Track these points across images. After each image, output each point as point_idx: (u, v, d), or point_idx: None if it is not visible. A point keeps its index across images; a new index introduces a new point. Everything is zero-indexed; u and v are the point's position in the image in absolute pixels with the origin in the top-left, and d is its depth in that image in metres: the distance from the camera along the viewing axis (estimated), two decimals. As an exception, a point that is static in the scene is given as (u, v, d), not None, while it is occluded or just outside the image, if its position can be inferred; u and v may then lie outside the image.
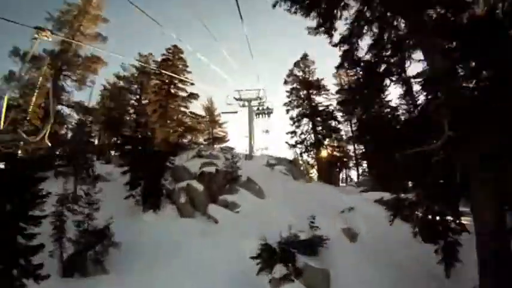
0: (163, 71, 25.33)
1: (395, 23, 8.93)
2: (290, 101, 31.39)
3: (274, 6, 10.39)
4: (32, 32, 5.77)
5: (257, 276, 11.01)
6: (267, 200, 17.40)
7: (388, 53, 8.96)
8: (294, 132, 30.14)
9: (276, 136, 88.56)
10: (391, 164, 10.26)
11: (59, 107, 20.51)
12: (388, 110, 11.90)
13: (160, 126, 26.73)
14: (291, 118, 30.76)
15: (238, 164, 19.64)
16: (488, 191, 7.19)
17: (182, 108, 30.93)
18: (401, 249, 13.72)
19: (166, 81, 27.90)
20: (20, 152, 14.18)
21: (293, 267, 10.61)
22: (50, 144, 6.86)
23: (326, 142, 30.41)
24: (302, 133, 30.13)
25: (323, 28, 9.95)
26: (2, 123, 6.16)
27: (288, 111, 31.34)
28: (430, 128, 7.48)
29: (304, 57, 32.45)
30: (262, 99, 30.32)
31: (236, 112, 30.88)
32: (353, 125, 32.79)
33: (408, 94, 9.27)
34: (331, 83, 34.21)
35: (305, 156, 30.69)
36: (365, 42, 9.69)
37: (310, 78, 31.70)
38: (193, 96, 29.70)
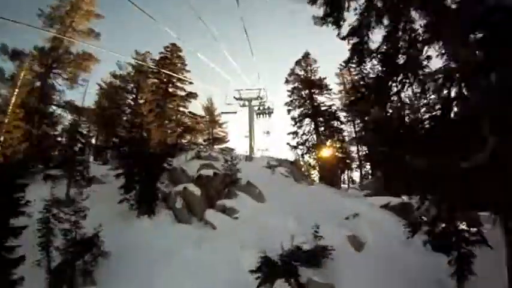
0: (161, 70, 24.54)
1: (409, 13, 8.02)
2: (291, 101, 30.52)
3: None
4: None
5: (257, 291, 10.14)
6: (267, 205, 16.49)
7: (406, 45, 8.05)
8: (295, 133, 29.29)
9: (277, 137, 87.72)
10: (406, 172, 9.18)
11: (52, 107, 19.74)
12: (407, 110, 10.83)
13: (157, 127, 25.88)
14: (293, 118, 29.92)
15: (238, 166, 18.77)
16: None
17: (181, 108, 30.12)
18: (410, 258, 12.86)
19: (165, 80, 27.06)
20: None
21: (296, 282, 9.74)
22: None
23: (328, 143, 29.45)
24: (304, 134, 29.27)
25: (331, 18, 9.02)
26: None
27: (289, 111, 30.53)
28: (463, 133, 6.52)
29: (306, 55, 31.59)
30: (263, 98, 29.53)
31: (235, 112, 30.15)
32: (356, 126, 31.99)
33: (424, 92, 8.32)
34: (333, 83, 33.37)
35: (307, 157, 29.80)
36: (375, 36, 8.82)
37: (312, 77, 30.83)
38: (192, 95, 28.82)
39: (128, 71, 25.20)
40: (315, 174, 30.66)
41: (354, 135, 31.81)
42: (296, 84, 30.86)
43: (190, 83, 27.47)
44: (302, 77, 30.93)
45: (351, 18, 8.95)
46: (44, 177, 18.42)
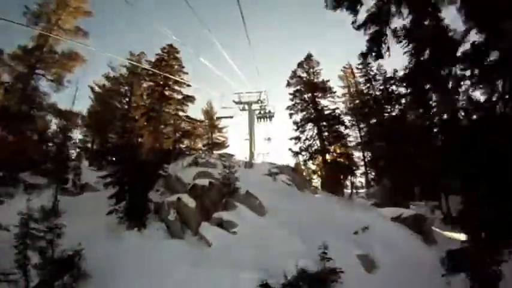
0: (156, 72, 23.30)
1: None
2: (294, 104, 29.12)
3: None
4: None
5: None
6: (269, 218, 15.07)
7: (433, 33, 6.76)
8: (298, 138, 27.84)
9: (278, 141, 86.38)
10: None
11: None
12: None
13: (152, 132, 24.59)
14: (295, 123, 28.51)
15: (237, 174, 17.42)
16: None
17: (179, 113, 28.88)
18: (427, 279, 11.49)
19: (161, 82, 25.80)
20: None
21: (301, 315, 8.36)
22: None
23: (332, 149, 28.03)
24: (306, 139, 27.84)
25: (347, 2, 7.66)
26: None
27: (291, 115, 29.11)
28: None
29: (309, 57, 30.27)
30: (264, 102, 28.23)
31: (232, 117, 29.04)
32: (362, 131, 30.66)
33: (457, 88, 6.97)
34: (336, 85, 32.06)
35: (310, 163, 28.42)
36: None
37: (315, 80, 29.42)
38: (189, 99, 27.50)
39: (120, 73, 23.92)
40: (317, 181, 29.37)
41: (359, 140, 30.45)
42: (298, 87, 29.48)
43: (188, 85, 26.23)
44: (304, 79, 29.58)
45: (367, 4, 7.63)
46: (25, 187, 16.96)
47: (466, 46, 7.09)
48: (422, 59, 7.36)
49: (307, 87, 29.13)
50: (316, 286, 9.44)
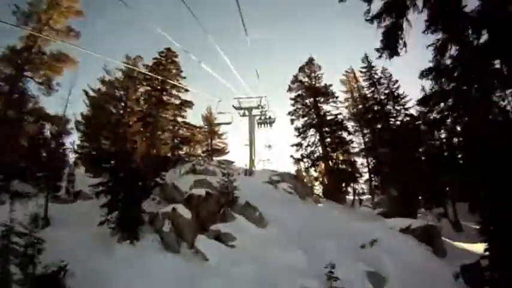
0: (153, 75, 22.55)
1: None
2: (295, 110, 28.27)
3: None
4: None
5: None
6: (269, 231, 14.12)
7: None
8: (299, 145, 26.94)
9: (278, 147, 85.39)
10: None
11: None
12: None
13: (149, 138, 23.78)
14: (296, 129, 27.62)
15: (237, 182, 16.53)
16: None
17: (178, 118, 28.09)
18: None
19: (158, 87, 25.03)
20: None
21: None
22: None
23: (335, 155, 27.09)
24: (308, 145, 26.94)
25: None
26: None
27: (292, 121, 28.25)
28: None
29: (310, 61, 29.49)
30: (264, 107, 27.45)
31: (230, 123, 28.37)
32: (366, 137, 29.78)
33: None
34: (338, 90, 31.22)
35: (312, 170, 27.50)
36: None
37: (317, 85, 28.61)
38: (187, 104, 26.70)
39: (116, 77, 23.07)
40: (319, 188, 28.43)
41: (363, 147, 29.50)
42: (300, 92, 28.68)
43: (186, 90, 25.45)
44: (306, 84, 28.78)
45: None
46: (11, 196, 16.05)
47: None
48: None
49: (309, 92, 28.31)
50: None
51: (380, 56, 8.56)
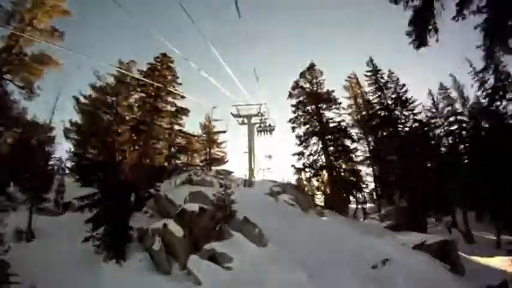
0: (146, 81, 21.44)
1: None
2: (296, 117, 26.93)
3: None
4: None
5: None
6: (270, 250, 12.75)
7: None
8: (301, 154, 25.56)
9: (279, 154, 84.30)
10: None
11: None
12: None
13: (143, 146, 22.53)
14: (298, 137, 26.25)
15: (235, 195, 15.23)
16: None
17: (175, 126, 26.89)
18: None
19: (152, 94, 23.86)
20: None
21: None
22: None
23: (338, 164, 25.70)
24: (311, 154, 25.55)
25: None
26: None
27: (293, 128, 26.84)
28: None
29: (311, 66, 28.28)
30: (264, 115, 26.27)
31: (225, 131, 27.16)
32: (370, 145, 28.51)
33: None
34: (340, 96, 29.97)
35: (314, 181, 26.14)
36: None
37: (319, 91, 27.37)
38: (183, 111, 25.49)
39: (107, 82, 21.81)
40: (320, 197, 27.07)
41: (368, 155, 28.16)
42: (301, 99, 27.37)
43: (182, 97, 24.27)
44: (307, 90, 27.48)
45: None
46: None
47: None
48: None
49: (311, 99, 27.03)
50: None
51: (411, 42, 7.24)
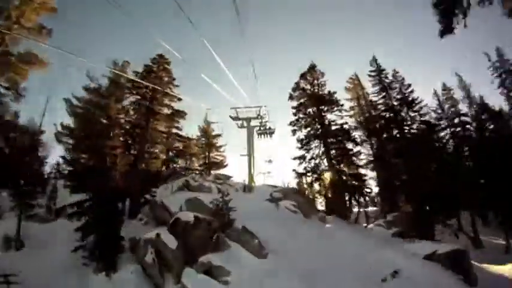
0: (143, 82, 20.65)
1: None
2: (297, 120, 26.01)
3: None
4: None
5: None
6: (270, 262, 11.81)
7: None
8: (302, 157, 24.63)
9: (279, 156, 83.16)
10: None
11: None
12: None
13: (138, 151, 21.69)
14: (299, 140, 25.33)
15: (232, 203, 14.38)
16: None
17: (173, 130, 26.07)
18: None
19: (148, 96, 22.98)
20: None
21: None
22: None
23: (340, 167, 24.76)
24: (312, 158, 24.63)
25: None
26: None
27: (294, 131, 25.90)
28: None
29: (312, 67, 27.37)
30: (264, 117, 25.42)
31: (220, 135, 26.38)
32: (374, 148, 27.60)
33: None
34: (342, 98, 29.05)
35: (316, 185, 25.23)
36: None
37: (320, 92, 26.47)
38: (179, 114, 24.62)
39: (100, 84, 20.91)
40: (321, 201, 26.17)
41: (371, 158, 27.18)
42: (302, 101, 26.45)
43: (179, 99, 23.42)
44: (308, 91, 26.55)
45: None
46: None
47: None
48: None
49: (312, 101, 26.11)
50: None
51: (442, 36, 6.36)
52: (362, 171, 25.73)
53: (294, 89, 27.22)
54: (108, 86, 20.28)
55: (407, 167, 20.69)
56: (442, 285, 11.47)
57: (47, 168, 21.64)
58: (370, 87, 26.57)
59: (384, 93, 23.73)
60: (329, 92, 26.24)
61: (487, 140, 21.13)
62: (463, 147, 23.06)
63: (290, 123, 26.22)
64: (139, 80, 20.57)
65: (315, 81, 27.06)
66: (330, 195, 24.62)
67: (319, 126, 25.39)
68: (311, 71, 27.40)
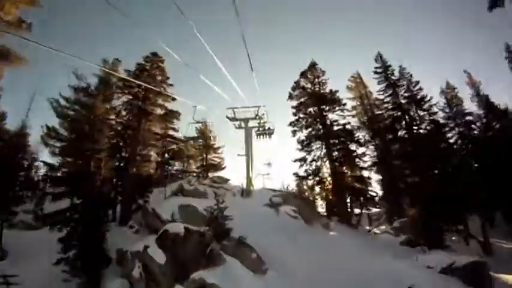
0: (134, 81, 19.52)
1: None
2: (297, 120, 24.88)
3: None
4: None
5: None
6: (270, 278, 10.59)
7: None
8: (303, 160, 23.49)
9: (278, 157, 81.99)
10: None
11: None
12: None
13: (130, 153, 20.53)
14: (299, 141, 24.18)
15: (229, 210, 13.19)
16: None
17: (169, 131, 24.86)
18: None
19: (141, 96, 21.75)
20: None
21: None
22: None
23: (343, 170, 23.59)
24: (314, 160, 23.50)
25: None
26: None
27: (294, 132, 24.77)
28: None
29: (313, 65, 26.29)
30: (263, 118, 24.24)
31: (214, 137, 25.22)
32: (377, 149, 26.42)
33: None
34: (344, 98, 27.84)
35: (318, 188, 24.14)
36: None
37: (321, 91, 25.33)
38: (173, 114, 23.39)
39: (88, 83, 19.56)
40: (322, 204, 25.12)
41: (376, 160, 25.88)
42: (302, 100, 25.31)
43: (173, 99, 22.21)
44: (309, 90, 25.41)
45: None
46: None
47: None
48: None
49: (313, 100, 24.96)
50: None
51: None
52: (366, 173, 24.64)
53: (293, 88, 26.08)
54: (97, 85, 19.07)
55: (413, 168, 19.57)
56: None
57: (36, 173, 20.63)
58: (374, 85, 25.42)
59: (390, 91, 22.54)
60: (330, 90, 25.12)
61: (492, 139, 20.08)
62: (469, 146, 21.99)
63: (290, 124, 25.11)
64: (131, 79, 19.46)
65: (316, 80, 25.97)
66: (331, 198, 23.55)
67: (320, 127, 24.27)
68: (311, 68, 26.30)
